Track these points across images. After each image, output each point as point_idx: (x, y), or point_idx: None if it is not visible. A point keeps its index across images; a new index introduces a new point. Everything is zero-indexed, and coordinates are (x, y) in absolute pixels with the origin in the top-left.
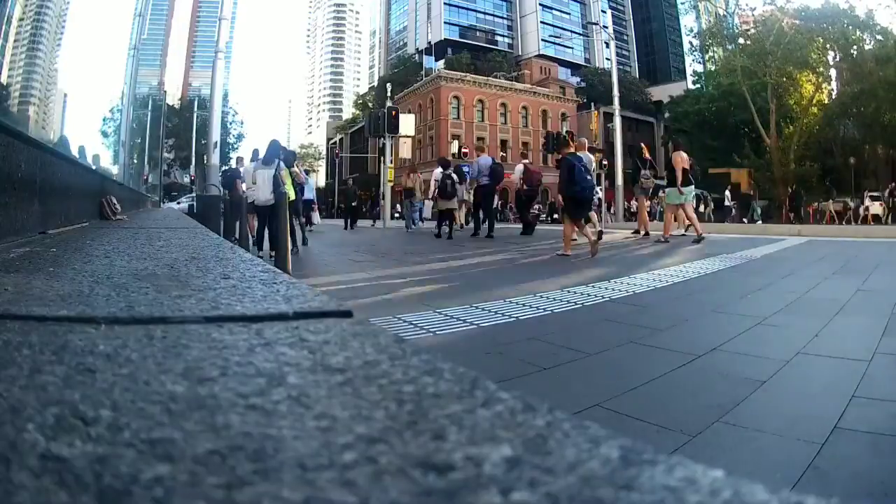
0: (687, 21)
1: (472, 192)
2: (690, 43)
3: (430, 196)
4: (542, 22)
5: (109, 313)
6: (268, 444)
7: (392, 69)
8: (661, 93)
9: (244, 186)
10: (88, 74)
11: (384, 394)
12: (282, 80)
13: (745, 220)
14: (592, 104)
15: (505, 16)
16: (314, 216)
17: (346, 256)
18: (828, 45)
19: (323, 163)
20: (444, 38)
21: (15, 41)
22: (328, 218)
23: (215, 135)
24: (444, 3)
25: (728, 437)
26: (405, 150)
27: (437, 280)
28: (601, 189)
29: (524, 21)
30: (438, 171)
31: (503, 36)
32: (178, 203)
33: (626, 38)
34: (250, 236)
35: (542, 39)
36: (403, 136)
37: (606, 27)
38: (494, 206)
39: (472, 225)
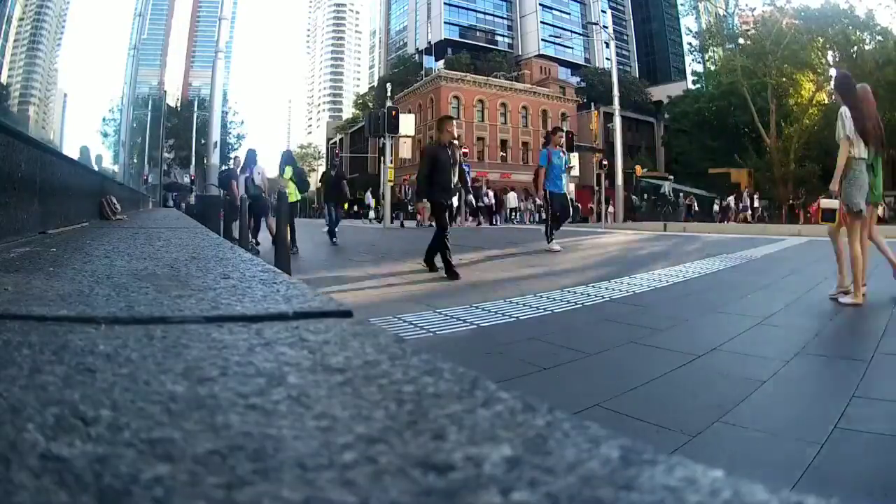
0: (687, 21)
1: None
2: (690, 44)
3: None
4: (542, 22)
5: (109, 313)
6: (268, 444)
7: (392, 69)
8: (661, 93)
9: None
10: (88, 74)
11: (384, 394)
12: (282, 80)
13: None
14: (592, 104)
15: (505, 16)
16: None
17: None
18: (828, 45)
19: (323, 163)
20: (444, 38)
21: (15, 41)
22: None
23: (215, 135)
24: (444, 3)
25: (728, 437)
26: (405, 150)
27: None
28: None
29: (524, 21)
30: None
31: (503, 36)
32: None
33: (626, 38)
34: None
35: (542, 39)
36: (403, 136)
37: (606, 27)
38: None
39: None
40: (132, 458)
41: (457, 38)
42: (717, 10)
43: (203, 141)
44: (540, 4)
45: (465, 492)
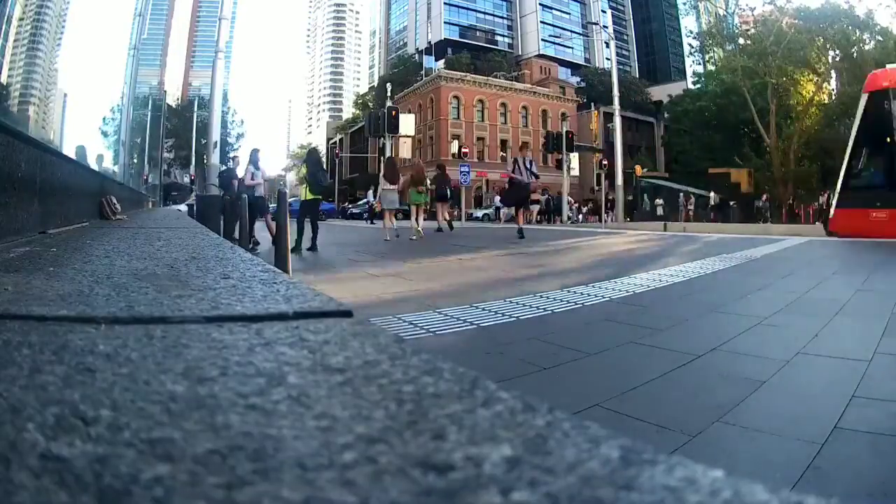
0: (687, 21)
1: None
2: (690, 45)
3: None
4: (542, 22)
5: (109, 313)
6: (268, 444)
7: (392, 69)
8: (661, 93)
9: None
10: (88, 74)
11: (384, 394)
12: (282, 80)
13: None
14: (592, 104)
15: (505, 16)
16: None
17: None
18: (828, 45)
19: (323, 163)
20: (444, 38)
21: (15, 41)
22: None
23: (215, 135)
24: (444, 3)
25: (728, 437)
26: (405, 150)
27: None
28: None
29: (524, 21)
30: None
31: (503, 36)
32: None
33: (626, 38)
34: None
35: (542, 39)
36: (403, 136)
37: (606, 27)
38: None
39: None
40: (132, 458)
41: (457, 38)
42: (717, 10)
43: (203, 141)
44: (540, 4)
45: (465, 492)
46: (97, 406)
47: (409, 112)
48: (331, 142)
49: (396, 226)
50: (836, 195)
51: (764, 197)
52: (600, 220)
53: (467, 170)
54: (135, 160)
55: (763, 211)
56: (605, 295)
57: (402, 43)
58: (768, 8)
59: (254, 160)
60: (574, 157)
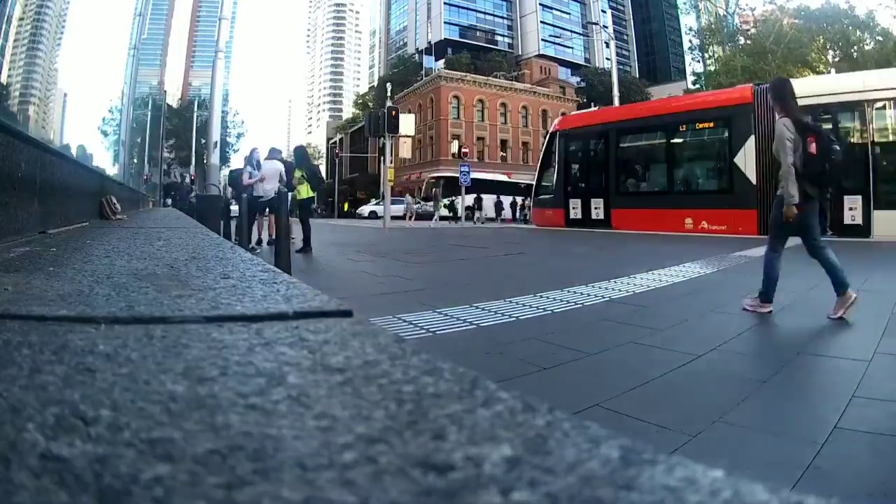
0: (687, 20)
1: None
2: (690, 41)
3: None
4: (542, 22)
5: (109, 313)
6: (268, 444)
7: (392, 69)
8: (661, 93)
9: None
10: (88, 74)
11: (384, 394)
12: (282, 80)
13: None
14: (592, 104)
15: (505, 16)
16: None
17: None
18: (828, 45)
19: (323, 162)
20: (444, 38)
21: (15, 41)
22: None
23: (215, 135)
24: (444, 3)
25: (728, 437)
26: (405, 150)
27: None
28: None
29: (524, 21)
30: None
31: (503, 36)
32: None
33: (626, 38)
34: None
35: (542, 39)
36: (403, 136)
37: (606, 27)
38: None
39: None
40: (132, 458)
41: (457, 38)
42: (717, 10)
43: (203, 141)
44: (540, 4)
45: (465, 492)
46: (97, 406)
47: (409, 112)
48: (331, 142)
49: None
50: (532, 199)
51: None
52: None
53: (467, 170)
54: (135, 160)
55: None
56: (605, 295)
57: (402, 43)
58: (769, 8)
59: (251, 160)
60: None
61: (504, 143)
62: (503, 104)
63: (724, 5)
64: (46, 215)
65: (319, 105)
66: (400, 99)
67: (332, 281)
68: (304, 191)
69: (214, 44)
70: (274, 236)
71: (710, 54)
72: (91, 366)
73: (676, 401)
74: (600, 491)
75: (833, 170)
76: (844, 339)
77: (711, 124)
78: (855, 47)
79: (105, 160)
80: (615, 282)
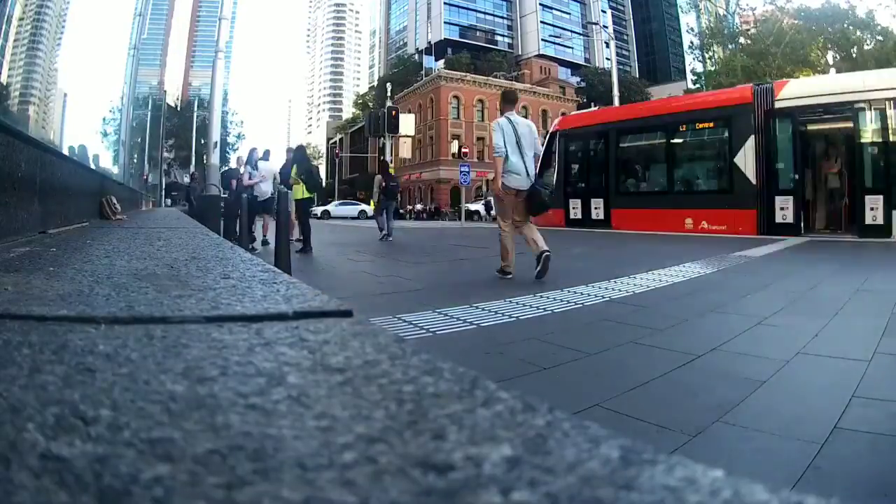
0: (687, 19)
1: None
2: (690, 42)
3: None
4: (542, 22)
5: (109, 313)
6: (268, 444)
7: (392, 69)
8: (661, 92)
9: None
10: (88, 74)
11: (384, 394)
12: (282, 80)
13: None
14: (592, 104)
15: (505, 16)
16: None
17: None
18: (828, 45)
19: (323, 163)
20: (444, 38)
21: (15, 41)
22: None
23: (215, 135)
24: (444, 3)
25: (728, 437)
26: (405, 150)
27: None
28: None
29: (524, 21)
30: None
31: (503, 36)
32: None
33: (626, 37)
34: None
35: (542, 39)
36: (403, 136)
37: (606, 27)
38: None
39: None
40: (132, 458)
41: (457, 38)
42: (717, 10)
43: (203, 140)
44: (540, 4)
45: (465, 492)
46: (97, 406)
47: (409, 112)
48: (331, 142)
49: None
50: None
51: None
52: None
53: (467, 170)
54: (135, 160)
55: None
56: (605, 295)
57: (402, 43)
58: (769, 8)
59: (251, 160)
60: None
61: None
62: None
63: (724, 5)
64: (46, 215)
65: (319, 105)
66: (400, 99)
67: (332, 281)
68: (300, 191)
69: (214, 44)
70: (265, 236)
71: (710, 54)
72: (91, 366)
73: (676, 401)
74: (600, 491)
75: None
76: (844, 339)
77: (711, 124)
78: (854, 47)
79: (105, 160)
80: (615, 282)
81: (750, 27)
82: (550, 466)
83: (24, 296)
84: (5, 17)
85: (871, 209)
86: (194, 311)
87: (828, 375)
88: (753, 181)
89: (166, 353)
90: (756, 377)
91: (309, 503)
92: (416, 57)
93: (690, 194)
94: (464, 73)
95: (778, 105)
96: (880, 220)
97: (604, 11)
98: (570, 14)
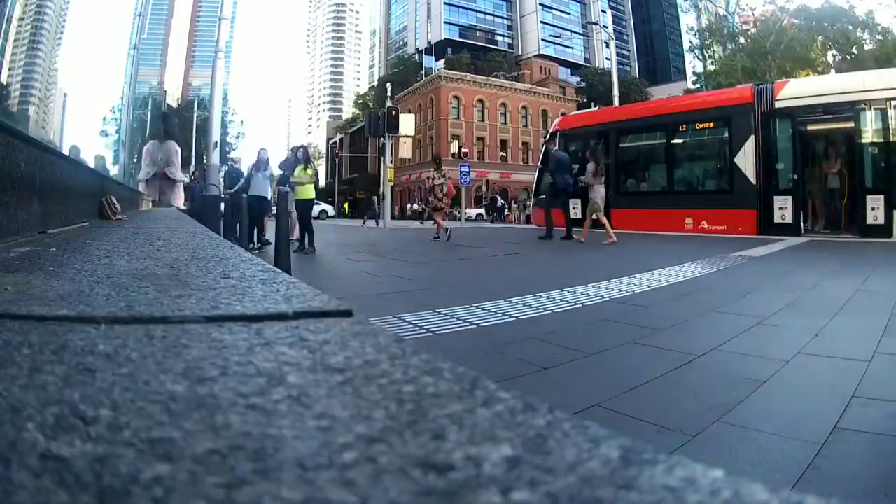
0: (687, 19)
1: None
2: (690, 41)
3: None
4: (542, 22)
5: (109, 313)
6: (268, 444)
7: (392, 69)
8: (661, 93)
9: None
10: (88, 74)
11: (384, 394)
12: (282, 80)
13: None
14: (592, 104)
15: (505, 16)
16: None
17: None
18: (828, 45)
19: (323, 162)
20: (444, 38)
21: (15, 41)
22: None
23: (215, 135)
24: (444, 3)
25: (728, 437)
26: (405, 150)
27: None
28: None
29: (524, 21)
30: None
31: (503, 36)
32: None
33: (626, 38)
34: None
35: (542, 39)
36: (403, 136)
37: (606, 27)
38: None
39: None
40: (132, 457)
41: (457, 38)
42: (717, 10)
43: (203, 141)
44: (540, 4)
45: (465, 492)
46: (97, 406)
47: (409, 112)
48: (331, 142)
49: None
50: (532, 200)
51: None
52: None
53: (467, 170)
54: (135, 160)
55: None
56: (605, 295)
57: (402, 43)
58: (769, 8)
59: (261, 162)
60: None
61: (504, 143)
62: (503, 104)
63: (724, 5)
64: (46, 215)
65: (319, 105)
66: (400, 99)
67: (332, 281)
68: (306, 191)
69: (214, 44)
70: (265, 236)
71: (710, 54)
72: (91, 366)
73: (676, 401)
74: (600, 491)
75: None
76: (844, 339)
77: (711, 124)
78: (854, 47)
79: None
80: (615, 282)
81: (750, 27)
82: (550, 466)
83: (24, 296)
84: (5, 17)
85: (872, 209)
86: (194, 310)
87: (828, 375)
88: (753, 181)
89: (166, 353)
90: (756, 377)
91: (309, 503)
92: (416, 57)
93: (690, 194)
94: (464, 73)
95: (778, 105)
96: (881, 220)
97: (604, 11)
98: (570, 14)
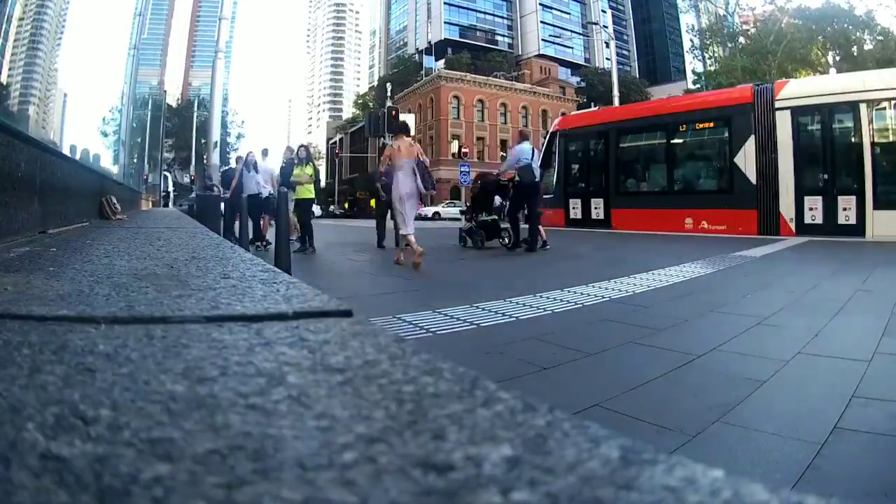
0: (687, 18)
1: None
2: (691, 41)
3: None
4: (542, 22)
5: (109, 313)
6: (268, 444)
7: (392, 69)
8: (661, 93)
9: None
10: (88, 74)
11: (384, 394)
12: (282, 80)
13: None
14: (592, 104)
15: (505, 15)
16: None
17: None
18: (828, 45)
19: (323, 162)
20: (444, 38)
21: (15, 41)
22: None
23: (215, 135)
24: (444, 3)
25: (728, 437)
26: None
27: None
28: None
29: (524, 21)
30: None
31: (503, 36)
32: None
33: (626, 37)
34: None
35: (542, 39)
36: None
37: (606, 27)
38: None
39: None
40: (132, 457)
41: (457, 38)
42: (716, 10)
43: (203, 140)
44: (540, 4)
45: (465, 492)
46: (97, 406)
47: (409, 112)
48: (331, 142)
49: None
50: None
51: None
52: None
53: (467, 169)
54: (135, 160)
55: None
56: (605, 295)
57: (402, 43)
58: (769, 8)
59: (248, 163)
60: None
61: (504, 143)
62: (503, 104)
63: (723, 5)
64: (46, 215)
65: (319, 105)
66: (400, 99)
67: (332, 281)
68: (305, 191)
69: (214, 44)
70: (265, 236)
71: (710, 54)
72: (91, 366)
73: (676, 401)
74: (600, 491)
75: None
76: (844, 339)
77: (711, 124)
78: (854, 47)
79: (106, 160)
80: (615, 282)
81: (750, 27)
82: (550, 466)
83: (24, 296)
84: (5, 17)
85: (844, 209)
86: (194, 310)
87: (828, 375)
88: (754, 181)
89: (166, 353)
90: (756, 377)
91: (309, 503)
92: (416, 57)
93: (690, 194)
94: (464, 73)
95: (778, 105)
96: (853, 220)
97: (604, 11)
98: (570, 14)
